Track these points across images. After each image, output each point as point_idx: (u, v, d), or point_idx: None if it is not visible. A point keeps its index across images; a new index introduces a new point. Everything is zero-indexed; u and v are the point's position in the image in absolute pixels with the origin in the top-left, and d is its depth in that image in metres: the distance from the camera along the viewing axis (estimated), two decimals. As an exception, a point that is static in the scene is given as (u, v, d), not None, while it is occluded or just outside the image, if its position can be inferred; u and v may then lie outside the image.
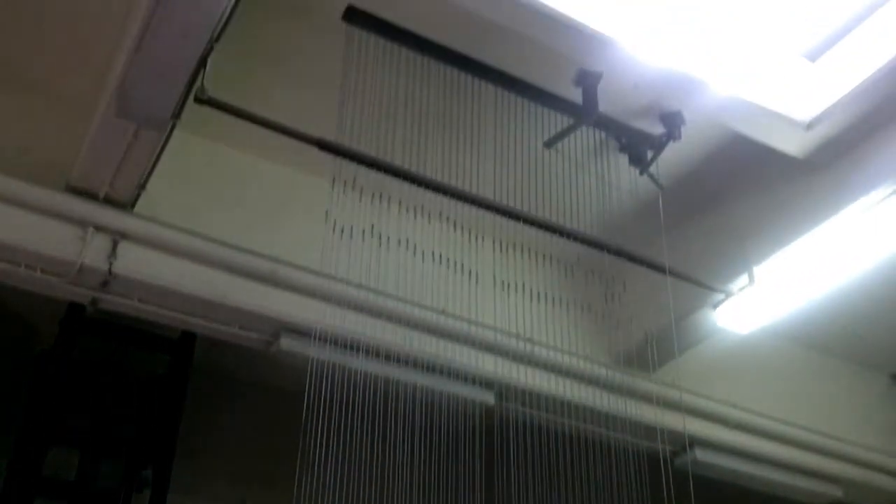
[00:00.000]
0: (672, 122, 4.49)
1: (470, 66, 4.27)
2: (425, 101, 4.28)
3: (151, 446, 4.63)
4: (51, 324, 4.59)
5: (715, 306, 5.05)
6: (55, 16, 3.99)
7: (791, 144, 4.49)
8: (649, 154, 4.62)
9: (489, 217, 4.36)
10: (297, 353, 4.51)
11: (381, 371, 4.27)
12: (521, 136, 4.45)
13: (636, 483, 4.33)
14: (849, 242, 4.62)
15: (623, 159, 4.67)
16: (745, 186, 4.91)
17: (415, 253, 4.25)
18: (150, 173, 4.16)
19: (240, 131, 4.08)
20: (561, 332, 4.71)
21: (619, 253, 4.59)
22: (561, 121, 4.47)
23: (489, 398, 4.88)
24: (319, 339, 3.98)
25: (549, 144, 4.49)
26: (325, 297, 4.21)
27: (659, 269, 4.60)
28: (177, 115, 3.80)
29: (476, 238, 4.43)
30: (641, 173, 4.65)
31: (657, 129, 4.55)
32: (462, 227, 4.37)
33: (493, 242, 4.50)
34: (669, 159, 4.63)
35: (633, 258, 4.63)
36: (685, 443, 5.36)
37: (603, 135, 4.63)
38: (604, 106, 4.32)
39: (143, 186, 4.21)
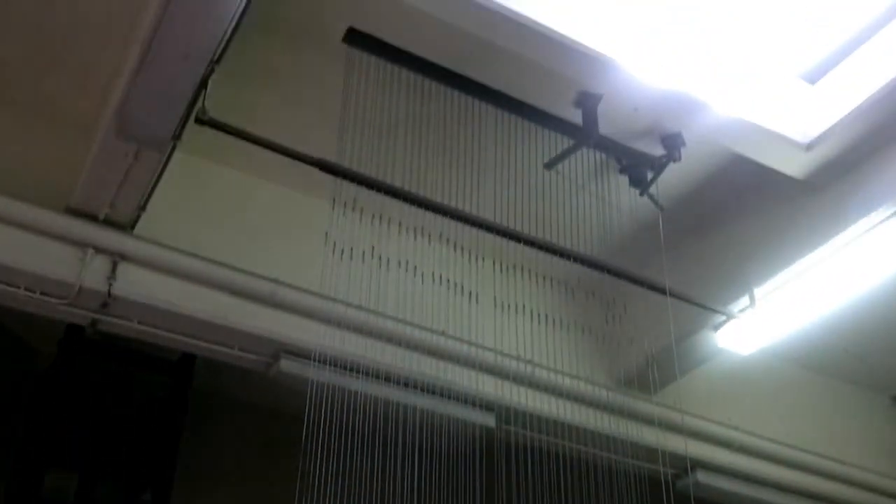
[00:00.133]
0: (672, 144, 4.50)
1: (470, 87, 4.28)
2: (426, 123, 4.29)
3: (151, 469, 4.61)
4: (50, 345, 4.57)
5: (716, 328, 5.04)
6: (56, 37, 4.00)
7: (791, 165, 4.50)
8: (649, 175, 4.62)
9: (489, 238, 4.36)
10: (296, 375, 4.49)
11: (381, 393, 4.25)
12: (521, 158, 4.46)
13: (637, 506, 4.31)
14: (849, 264, 4.61)
15: (623, 180, 4.68)
16: (745, 207, 4.92)
17: (415, 274, 4.24)
18: (150, 194, 4.16)
19: (240, 152, 4.09)
20: (561, 354, 4.69)
21: (619, 274, 4.58)
22: (561, 142, 4.47)
23: (489, 420, 4.85)
24: (319, 360, 3.96)
25: (549, 166, 4.50)
26: (325, 319, 4.20)
27: (659, 290, 4.59)
28: (177, 136, 3.80)
29: (476, 259, 4.42)
30: (641, 194, 4.65)
31: (657, 151, 4.56)
32: (462, 249, 4.36)
33: (494, 264, 4.49)
34: (669, 180, 4.64)
35: (633, 279, 4.62)
36: (687, 465, 5.34)
37: (603, 156, 4.63)
38: (604, 127, 4.33)
39: (143, 207, 4.20)
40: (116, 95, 3.66)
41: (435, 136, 4.35)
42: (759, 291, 4.87)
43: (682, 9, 4.27)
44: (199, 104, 3.68)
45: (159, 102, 3.64)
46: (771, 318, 4.90)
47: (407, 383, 4.44)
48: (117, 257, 4.23)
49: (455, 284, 4.33)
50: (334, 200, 3.94)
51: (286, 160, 3.99)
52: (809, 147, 4.39)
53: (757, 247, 4.88)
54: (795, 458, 5.99)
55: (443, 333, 4.59)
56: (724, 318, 4.99)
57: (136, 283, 4.25)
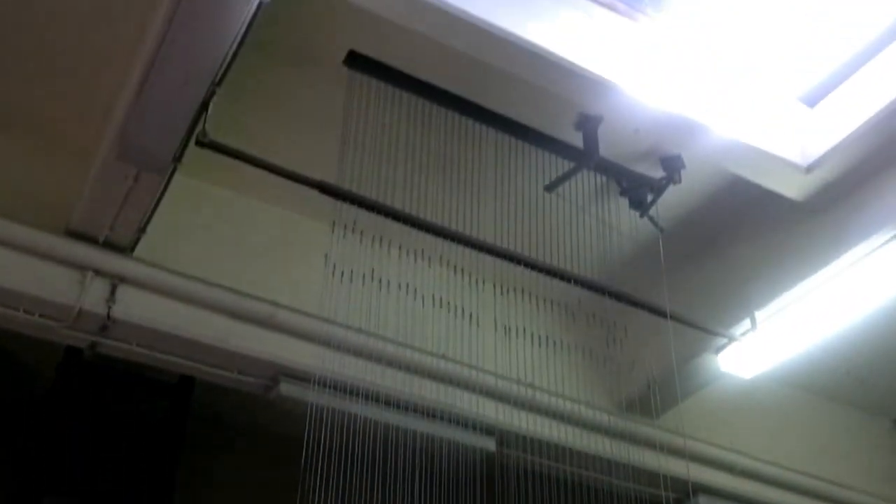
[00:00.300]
0: (672, 166, 4.51)
1: (471, 110, 4.29)
2: (426, 145, 4.30)
3: (149, 492, 4.57)
4: (49, 368, 4.55)
5: (717, 351, 5.02)
6: (57, 60, 4.00)
7: (791, 188, 4.50)
8: (649, 197, 4.63)
9: (490, 261, 4.35)
10: (296, 399, 4.47)
11: (381, 417, 4.23)
12: (521, 180, 4.46)
13: (640, 531, 4.28)
14: (850, 287, 4.60)
15: (623, 202, 4.68)
16: (746, 229, 4.91)
17: (415, 297, 4.23)
18: (150, 217, 4.16)
19: (240, 174, 4.09)
20: (562, 378, 4.67)
21: (620, 297, 4.57)
22: (562, 164, 4.48)
23: (490, 444, 4.82)
24: (319, 384, 3.94)
25: (549, 188, 4.50)
26: (325, 342, 4.18)
27: (660, 313, 4.58)
28: (178, 158, 3.80)
29: (476, 282, 4.41)
30: (642, 216, 4.65)
31: (657, 173, 4.57)
32: (462, 271, 4.35)
33: (494, 286, 4.48)
34: (670, 202, 4.64)
35: (634, 302, 4.61)
36: (689, 490, 5.29)
37: (603, 178, 4.64)
38: (604, 149, 4.34)
39: (143, 230, 4.20)
40: (117, 118, 3.67)
41: (435, 158, 4.36)
42: (760, 314, 4.86)
43: (681, 32, 4.29)
44: (199, 127, 3.68)
45: (160, 125, 3.64)
46: (772, 341, 4.89)
47: (407, 407, 4.42)
48: (117, 280, 4.22)
49: (455, 307, 4.32)
50: (334, 223, 3.94)
51: (286, 182, 3.99)
52: (809, 169, 4.40)
53: (758, 269, 4.87)
54: (797, 482, 5.96)
55: (443, 357, 4.58)
56: (725, 341, 4.97)
57: (135, 306, 4.24)
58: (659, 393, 4.81)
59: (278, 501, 3.97)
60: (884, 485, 6.39)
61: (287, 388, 4.54)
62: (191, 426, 4.80)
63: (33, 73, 4.09)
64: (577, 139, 4.37)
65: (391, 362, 4.45)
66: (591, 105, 4.21)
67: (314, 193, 3.98)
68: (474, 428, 4.67)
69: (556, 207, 4.54)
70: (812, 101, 4.51)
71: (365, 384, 4.18)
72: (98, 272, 4.19)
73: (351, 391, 4.07)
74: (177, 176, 4.00)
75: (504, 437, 4.82)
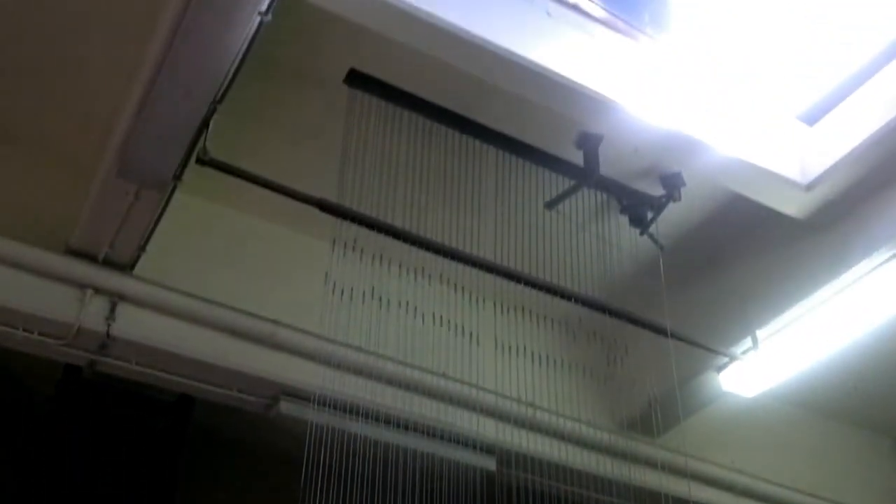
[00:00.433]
0: (672, 184, 4.51)
1: (471, 128, 4.30)
2: (426, 163, 4.30)
3: (148, 513, 4.55)
4: (47, 386, 4.53)
5: (719, 370, 5.01)
6: (57, 77, 4.01)
7: (791, 205, 4.50)
8: (649, 215, 4.62)
9: (490, 278, 4.34)
10: (296, 417, 4.45)
11: (381, 436, 4.21)
12: (522, 198, 4.46)
13: (642, 551, 4.25)
14: (851, 305, 4.60)
15: (624, 220, 4.68)
16: (746, 247, 4.91)
17: (415, 315, 4.22)
18: (150, 234, 4.15)
19: (241, 192, 4.09)
20: (563, 397, 4.65)
21: (620, 315, 4.56)
22: (562, 182, 4.48)
23: (490, 464, 4.79)
24: (319, 402, 3.92)
25: (550, 206, 4.50)
26: (325, 360, 4.16)
27: (661, 331, 4.57)
28: (178, 176, 3.80)
29: (477, 300, 4.40)
30: (642, 234, 4.65)
31: (657, 191, 4.57)
32: (463, 289, 4.34)
33: (495, 304, 4.47)
34: (670, 220, 4.64)
35: (634, 321, 4.60)
36: (690, 510, 5.27)
37: (604, 196, 4.64)
38: (604, 167, 4.34)
39: (143, 248, 4.19)
40: (118, 135, 3.67)
41: (436, 176, 4.36)
42: (761, 333, 4.85)
43: (682, 50, 4.31)
44: (200, 144, 3.68)
45: (160, 142, 3.64)
46: (774, 359, 4.88)
47: (407, 426, 4.40)
48: (116, 298, 4.21)
49: (455, 325, 4.31)
50: (334, 241, 3.93)
51: (287, 200, 3.99)
52: (809, 187, 4.40)
53: (759, 288, 4.86)
54: (799, 501, 5.93)
55: (443, 375, 4.56)
56: (727, 359, 4.96)
57: (135, 324, 4.23)
58: (660, 412, 4.79)
59: (278, 520, 3.95)
60: (885, 503, 6.36)
61: (287, 407, 4.52)
62: (191, 445, 4.78)
63: (33, 91, 4.09)
64: (577, 157, 4.38)
65: (391, 381, 4.43)
66: (592, 123, 4.21)
67: (314, 211, 3.98)
68: (474, 447, 4.64)
69: (556, 225, 4.54)
70: (812, 119, 4.52)
71: (365, 403, 4.16)
72: (98, 290, 4.18)
73: (351, 410, 4.05)
74: (177, 193, 4.00)
75: (504, 456, 4.78)
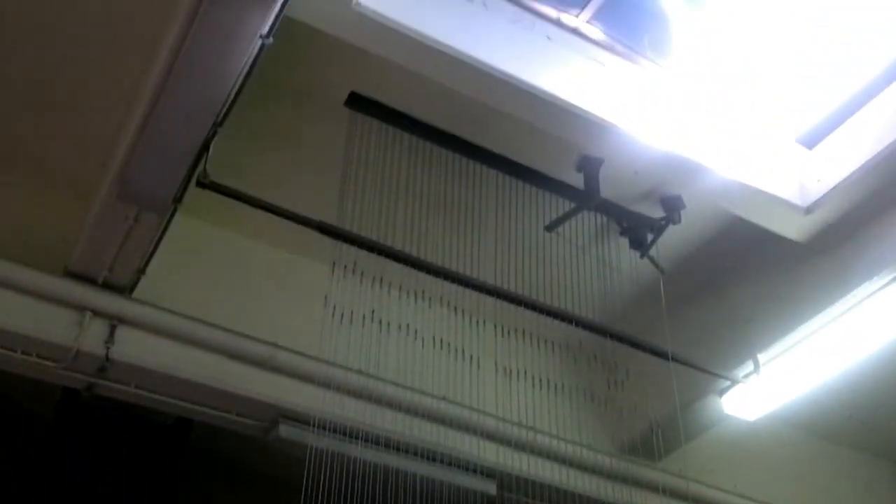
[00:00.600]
0: (672, 206, 4.51)
1: (471, 151, 4.31)
2: (426, 186, 4.31)
3: (145, 536, 4.52)
4: (46, 409, 4.51)
5: (721, 393, 4.99)
6: (58, 100, 4.01)
7: (791, 229, 4.50)
8: (649, 237, 4.62)
9: (490, 301, 4.33)
10: (295, 441, 4.43)
11: (381, 459, 4.19)
12: (522, 221, 4.46)
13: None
14: (853, 329, 4.58)
15: (624, 243, 4.68)
16: (747, 271, 4.90)
17: (415, 338, 4.21)
18: (150, 257, 4.14)
19: (240, 215, 4.09)
20: (564, 420, 4.63)
21: (621, 338, 4.55)
22: (562, 205, 4.48)
23: (490, 488, 4.77)
24: (318, 426, 3.90)
25: (550, 228, 4.50)
26: (325, 384, 4.15)
27: (662, 355, 4.55)
28: (178, 198, 3.79)
29: (477, 323, 4.39)
30: (642, 257, 4.64)
31: (657, 213, 4.57)
32: (463, 312, 4.34)
33: (495, 327, 4.46)
34: (670, 243, 4.64)
35: (635, 344, 4.59)
36: (692, 534, 5.23)
37: (604, 219, 4.64)
38: (604, 190, 4.34)
39: (142, 271, 4.18)
40: (117, 158, 3.66)
41: (436, 199, 4.37)
42: (763, 356, 4.83)
43: (681, 74, 4.32)
44: (200, 167, 3.68)
45: (161, 165, 3.64)
46: (776, 383, 4.86)
47: (407, 450, 4.38)
48: (115, 321, 4.20)
49: (456, 349, 4.30)
50: (334, 263, 3.93)
51: (287, 223, 3.99)
52: (809, 210, 4.40)
53: (760, 311, 4.85)
54: (802, 527, 5.89)
55: (443, 399, 4.54)
56: (728, 383, 4.94)
57: (134, 347, 4.21)
58: (661, 435, 4.77)
59: (276, 546, 3.92)
60: (887, 529, 6.33)
61: (286, 430, 4.50)
62: (189, 468, 4.75)
63: (34, 114, 4.10)
64: (577, 180, 4.38)
65: (391, 404, 4.41)
66: (593, 147, 4.22)
67: (314, 234, 3.98)
68: (475, 471, 4.63)
69: (556, 248, 4.54)
70: (811, 142, 4.53)
71: (365, 426, 4.15)
72: (97, 313, 4.17)
73: (351, 433, 4.03)
74: (177, 216, 4.00)
75: (505, 480, 4.77)
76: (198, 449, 4.81)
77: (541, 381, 4.52)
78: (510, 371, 4.43)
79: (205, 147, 3.63)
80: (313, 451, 3.76)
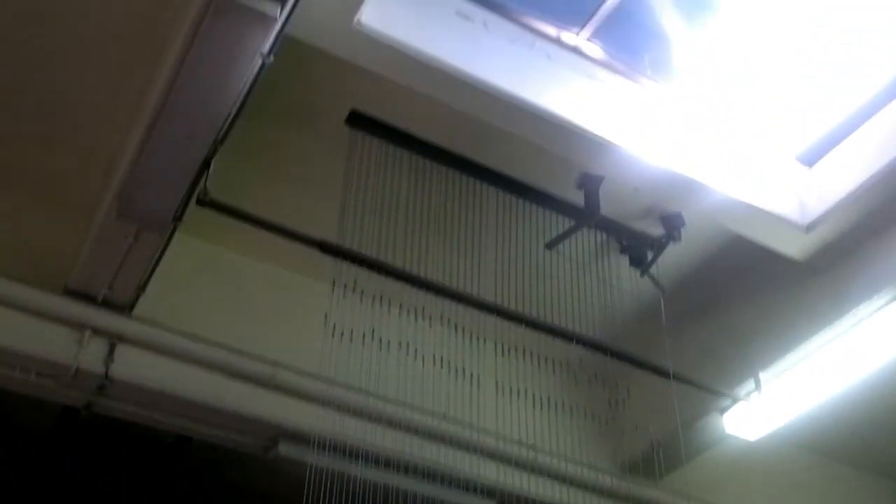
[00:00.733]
0: (672, 224, 4.51)
1: (471, 168, 4.31)
2: (427, 204, 4.30)
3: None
4: (44, 427, 4.49)
5: (722, 412, 4.97)
6: (58, 117, 4.01)
7: (791, 247, 4.50)
8: (650, 255, 4.62)
9: (490, 320, 4.33)
10: (295, 460, 4.40)
11: (381, 478, 4.16)
12: (522, 238, 4.46)
13: None
14: (854, 347, 4.57)
15: (624, 261, 4.67)
16: (747, 289, 4.90)
17: (415, 357, 4.20)
18: (150, 275, 4.14)
19: (241, 233, 4.09)
20: (564, 439, 4.62)
21: (622, 357, 4.54)
22: (562, 223, 4.48)
23: (491, 507, 4.75)
24: (318, 445, 3.88)
25: (550, 246, 4.50)
26: (325, 402, 4.14)
27: (663, 373, 4.54)
28: (179, 217, 3.79)
29: (477, 341, 4.38)
30: (642, 275, 4.64)
31: (657, 231, 4.56)
32: (463, 330, 4.33)
33: (495, 345, 4.45)
34: (670, 261, 4.63)
35: (636, 362, 4.58)
36: (693, 553, 5.20)
37: (604, 236, 4.63)
38: (605, 207, 4.35)
39: (142, 289, 4.17)
40: (118, 176, 3.67)
41: (436, 216, 4.36)
42: (764, 375, 4.82)
43: (681, 92, 4.33)
44: (201, 185, 3.69)
45: (161, 183, 3.64)
46: (777, 402, 4.84)
47: (407, 468, 4.36)
48: (115, 339, 4.19)
49: (456, 367, 4.29)
50: (335, 282, 3.92)
51: (287, 241, 3.99)
52: (809, 228, 4.40)
53: (760, 330, 4.84)
54: (803, 545, 5.86)
55: (444, 417, 4.52)
56: (730, 401, 4.93)
57: (133, 366, 4.20)
58: (662, 454, 4.76)
59: (276, 566, 3.90)
60: (889, 548, 6.30)
61: (286, 449, 4.48)
62: (188, 487, 4.73)
63: (34, 131, 4.09)
64: (577, 197, 4.38)
65: (391, 423, 4.40)
66: (593, 164, 4.23)
67: (315, 252, 3.98)
68: (475, 490, 4.60)
69: (557, 266, 4.54)
70: (810, 160, 4.53)
71: (365, 445, 4.13)
72: (96, 331, 4.16)
73: (351, 452, 4.01)
74: (177, 234, 3.99)
75: (505, 499, 4.74)
76: (197, 468, 4.79)
77: (541, 399, 4.51)
78: (510, 389, 4.42)
79: (205, 165, 3.63)
80: (313, 470, 3.75)
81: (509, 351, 4.47)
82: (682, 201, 4.39)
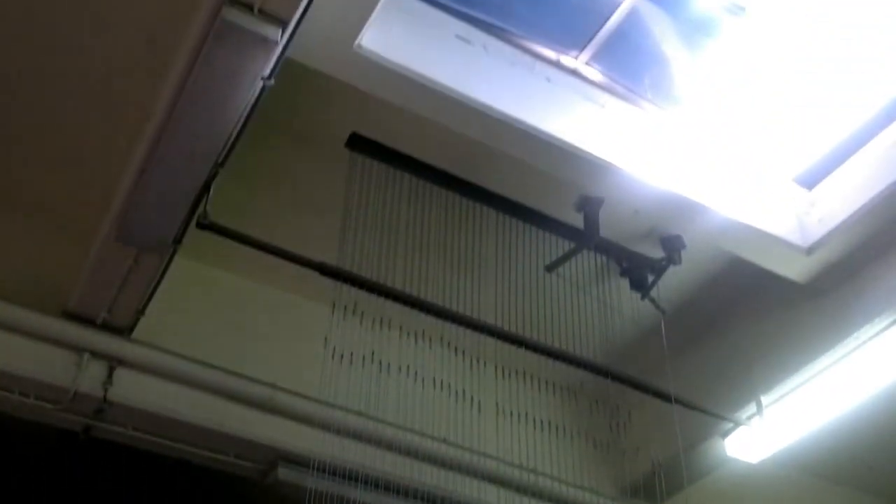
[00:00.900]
0: (672, 247, 4.51)
1: (471, 191, 4.31)
2: (427, 226, 4.30)
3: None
4: (42, 451, 4.47)
5: (724, 435, 4.95)
6: (57, 140, 4.02)
7: (792, 269, 4.50)
8: (650, 278, 4.61)
9: (491, 342, 4.31)
10: (294, 484, 4.38)
11: (381, 502, 4.15)
12: (522, 261, 4.45)
13: None
14: (856, 370, 4.56)
15: (624, 283, 4.66)
16: (748, 312, 4.89)
17: (415, 380, 4.19)
18: (149, 298, 4.13)
19: (240, 255, 4.08)
20: (565, 462, 4.59)
21: (623, 380, 4.52)
22: (563, 245, 4.47)
23: (492, 531, 4.72)
24: (318, 468, 3.86)
25: (550, 269, 4.49)
26: (324, 425, 4.12)
27: (665, 397, 4.52)
28: (178, 240, 3.79)
29: (478, 364, 4.36)
30: (643, 298, 4.62)
31: (658, 253, 4.56)
32: (464, 353, 4.31)
33: (496, 368, 4.43)
34: (671, 283, 4.63)
35: (637, 386, 4.55)
36: (695, 578, 5.16)
37: (604, 259, 4.63)
38: (604, 229, 4.34)
39: (141, 312, 4.16)
40: (118, 199, 3.66)
41: (436, 239, 4.36)
42: (765, 398, 4.80)
43: (681, 114, 4.34)
44: (200, 208, 3.68)
45: (161, 206, 3.64)
46: (779, 425, 4.82)
47: (407, 492, 4.33)
48: (114, 362, 4.17)
49: (456, 390, 4.28)
50: (334, 304, 3.91)
51: (286, 263, 3.98)
52: (810, 251, 4.40)
53: (762, 352, 4.83)
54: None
55: (444, 441, 4.50)
56: (731, 425, 4.90)
57: (132, 388, 4.18)
58: (664, 478, 4.72)
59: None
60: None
61: (285, 473, 4.45)
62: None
63: (33, 155, 4.10)
64: (577, 220, 4.38)
65: (391, 446, 4.38)
66: (593, 187, 4.23)
67: (314, 275, 3.96)
68: (477, 514, 4.58)
69: (557, 288, 4.53)
70: (810, 182, 4.54)
71: (364, 469, 4.10)
72: (95, 354, 4.14)
73: (350, 476, 3.99)
74: (176, 257, 3.99)
75: (506, 523, 4.71)
76: (195, 492, 4.76)
77: (542, 422, 4.48)
78: (511, 413, 4.40)
79: (205, 188, 3.63)
80: (312, 494, 3.72)
81: (510, 374, 4.45)
82: (683, 224, 4.39)
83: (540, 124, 3.91)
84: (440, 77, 3.74)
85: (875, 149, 4.28)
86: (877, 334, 4.41)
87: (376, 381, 4.00)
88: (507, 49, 4.07)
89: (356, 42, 3.57)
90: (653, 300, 4.62)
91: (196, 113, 3.24)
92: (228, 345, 4.52)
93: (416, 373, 4.17)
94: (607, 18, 4.13)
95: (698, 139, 4.38)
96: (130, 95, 3.68)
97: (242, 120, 3.42)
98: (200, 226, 3.72)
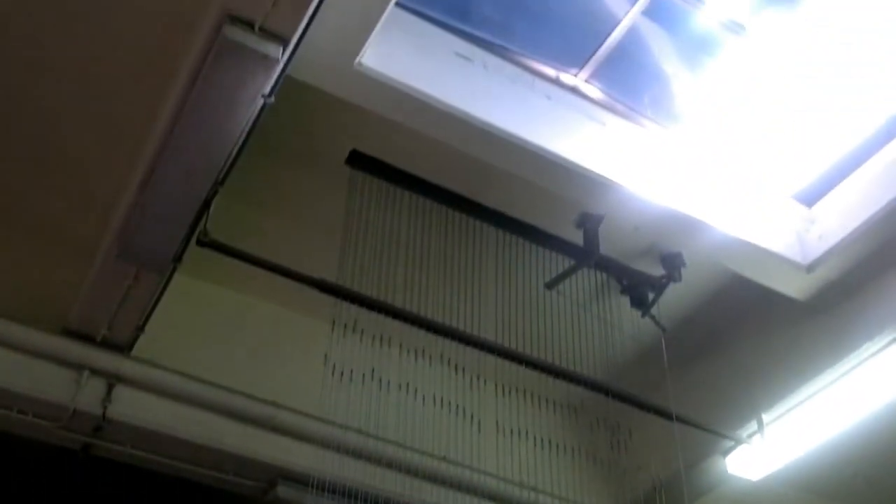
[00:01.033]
0: (672, 264, 4.50)
1: (471, 208, 4.31)
2: (427, 244, 4.30)
3: None
4: (41, 468, 4.44)
5: (725, 453, 4.93)
6: (58, 158, 4.01)
7: (792, 287, 4.50)
8: (650, 296, 4.60)
9: (491, 359, 4.31)
10: (294, 502, 4.37)
11: (381, 521, 4.13)
12: (522, 278, 4.45)
13: None
14: (856, 388, 4.55)
15: (625, 301, 4.66)
16: (749, 329, 4.88)
17: (415, 397, 4.18)
18: (149, 316, 4.12)
19: (240, 273, 4.07)
20: (565, 480, 4.58)
21: (623, 398, 4.51)
22: (563, 262, 4.47)
23: (492, 550, 4.70)
24: (318, 486, 3.85)
25: (550, 286, 4.49)
26: (324, 443, 4.11)
27: (665, 415, 4.51)
28: (178, 258, 3.79)
29: (478, 381, 4.35)
30: (643, 316, 4.62)
31: (658, 271, 4.55)
32: (464, 370, 4.30)
33: (496, 386, 4.42)
34: (671, 301, 4.62)
35: (638, 403, 4.54)
36: None
37: (604, 276, 4.63)
38: (605, 247, 4.34)
39: (141, 329, 4.16)
40: (118, 217, 3.67)
41: (436, 256, 4.36)
42: (766, 416, 4.79)
43: (682, 132, 4.35)
44: (201, 226, 3.68)
45: (161, 224, 3.64)
46: (780, 443, 4.81)
47: (407, 511, 4.32)
48: (113, 379, 4.17)
49: (456, 407, 4.26)
50: (334, 321, 3.91)
51: (286, 281, 3.98)
52: (810, 268, 4.41)
53: (762, 370, 4.82)
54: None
55: (444, 459, 4.49)
56: (732, 443, 4.89)
57: (131, 406, 4.17)
58: (665, 496, 4.70)
59: None
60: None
61: (285, 491, 4.44)
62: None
63: (33, 172, 4.09)
64: (577, 237, 4.38)
65: (391, 464, 4.36)
66: (593, 204, 4.23)
67: (314, 292, 3.96)
68: (476, 533, 4.56)
69: (557, 306, 4.52)
70: (810, 200, 4.54)
71: (364, 487, 4.09)
72: (94, 371, 4.14)
73: (350, 494, 3.97)
74: (176, 274, 3.98)
75: (506, 542, 4.69)
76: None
77: (542, 440, 4.47)
78: (511, 430, 4.38)
79: (205, 205, 3.64)
80: (312, 513, 3.72)
81: (510, 391, 4.44)
82: (683, 241, 4.39)
83: (540, 142, 3.92)
84: (440, 95, 3.75)
85: (874, 166, 4.29)
86: (877, 352, 4.41)
87: (376, 399, 4.00)
88: (507, 67, 4.09)
89: (357, 60, 3.59)
90: (653, 318, 4.62)
91: (196, 131, 3.25)
92: (228, 362, 4.51)
93: (415, 390, 4.16)
94: (607, 36, 4.16)
95: (698, 157, 4.39)
96: (131, 113, 3.68)
97: (243, 137, 3.43)
98: (200, 243, 3.72)
